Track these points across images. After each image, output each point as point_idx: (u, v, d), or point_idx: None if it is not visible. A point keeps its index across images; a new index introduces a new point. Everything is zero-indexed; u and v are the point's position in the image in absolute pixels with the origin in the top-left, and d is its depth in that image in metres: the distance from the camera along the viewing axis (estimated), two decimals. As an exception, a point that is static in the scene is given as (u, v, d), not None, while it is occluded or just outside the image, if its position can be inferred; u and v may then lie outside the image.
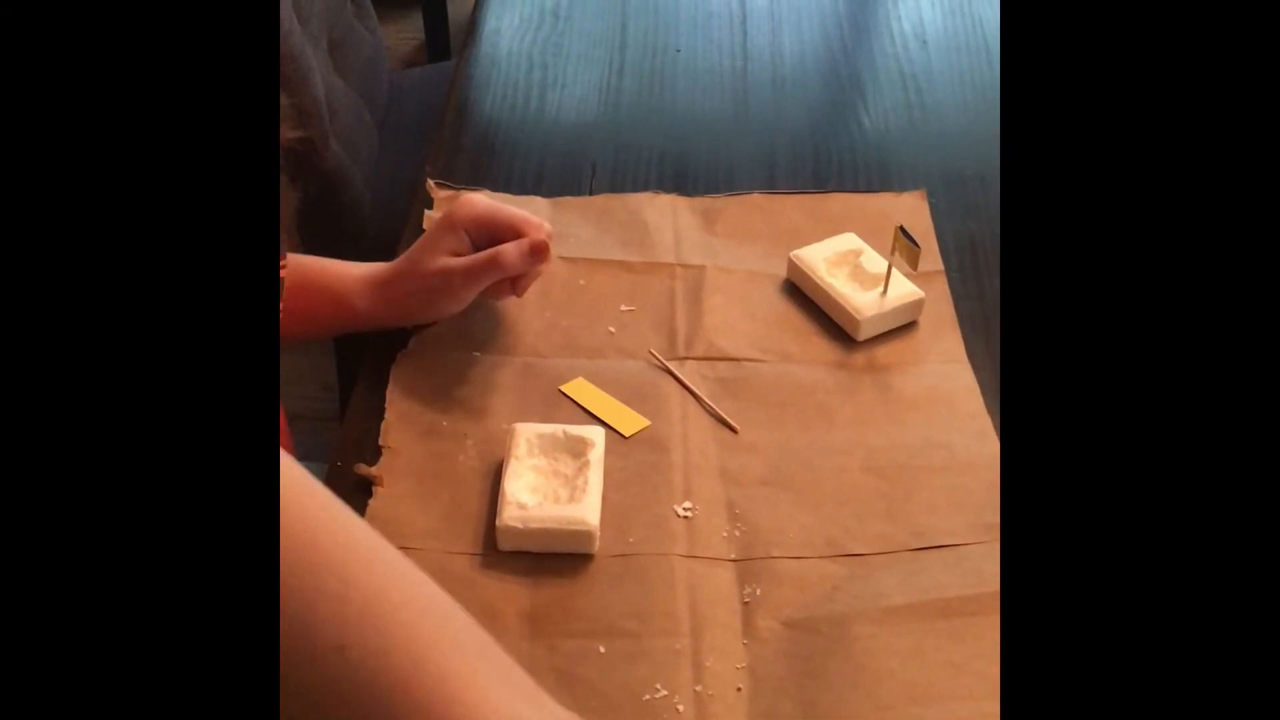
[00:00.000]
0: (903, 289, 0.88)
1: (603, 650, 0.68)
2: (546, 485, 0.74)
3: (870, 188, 1.03)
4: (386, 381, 0.83)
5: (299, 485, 0.50)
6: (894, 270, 0.87)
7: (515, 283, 0.83)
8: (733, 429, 0.81)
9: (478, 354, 0.85)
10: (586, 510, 0.72)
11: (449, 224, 0.83)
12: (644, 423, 0.81)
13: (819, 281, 0.89)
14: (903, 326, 0.89)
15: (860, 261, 0.91)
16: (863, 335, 0.87)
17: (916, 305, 0.89)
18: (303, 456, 1.05)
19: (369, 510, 0.74)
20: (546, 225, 0.83)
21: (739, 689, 0.67)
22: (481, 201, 0.84)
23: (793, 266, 0.91)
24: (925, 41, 1.23)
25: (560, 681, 0.66)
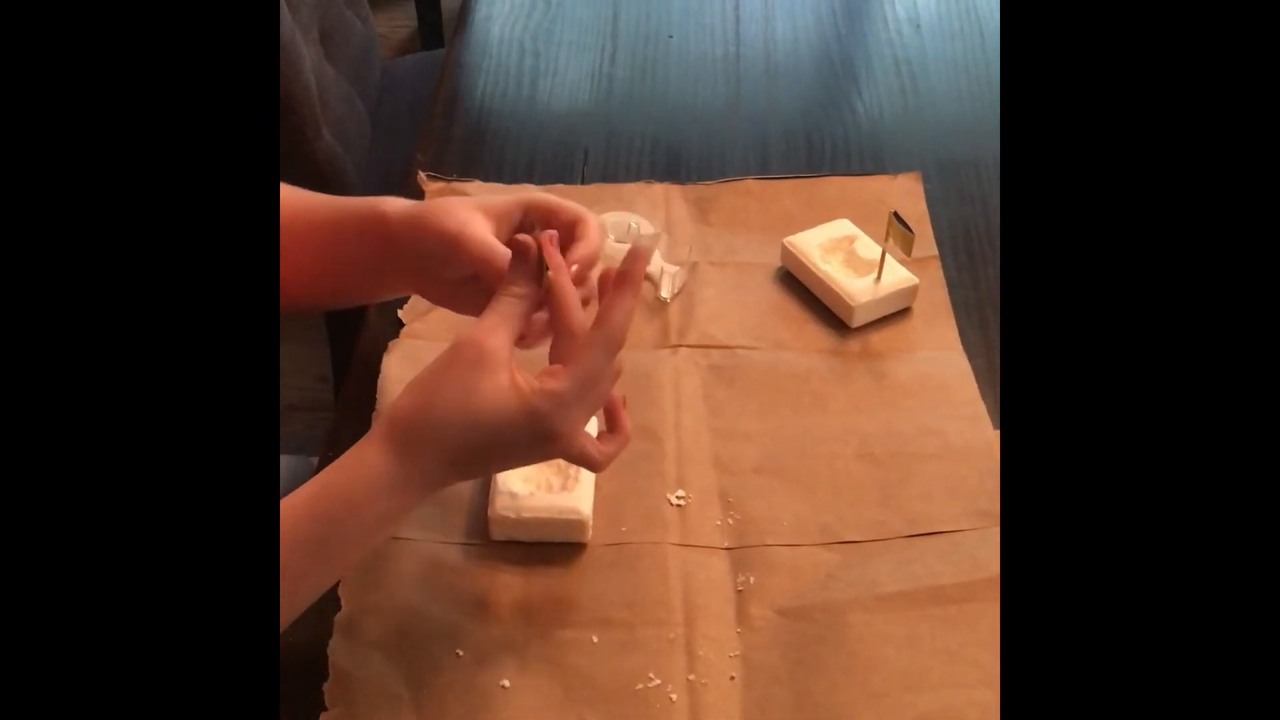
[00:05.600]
0: (897, 275, 0.88)
1: (596, 640, 0.68)
2: (539, 474, 0.74)
3: (864, 175, 1.02)
4: (379, 372, 0.82)
5: None
6: (888, 256, 0.87)
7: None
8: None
9: (470, 343, 0.85)
10: (579, 499, 0.72)
11: (512, 200, 0.71)
12: None
13: (812, 268, 0.89)
14: (897, 313, 0.88)
15: (854, 248, 0.90)
16: (856, 322, 0.87)
17: (911, 292, 0.88)
18: (297, 448, 1.05)
19: (361, 501, 0.74)
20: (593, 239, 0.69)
21: (732, 678, 0.66)
22: (548, 195, 0.72)
23: (786, 253, 0.91)
24: (919, 26, 1.22)
25: (553, 672, 0.66)
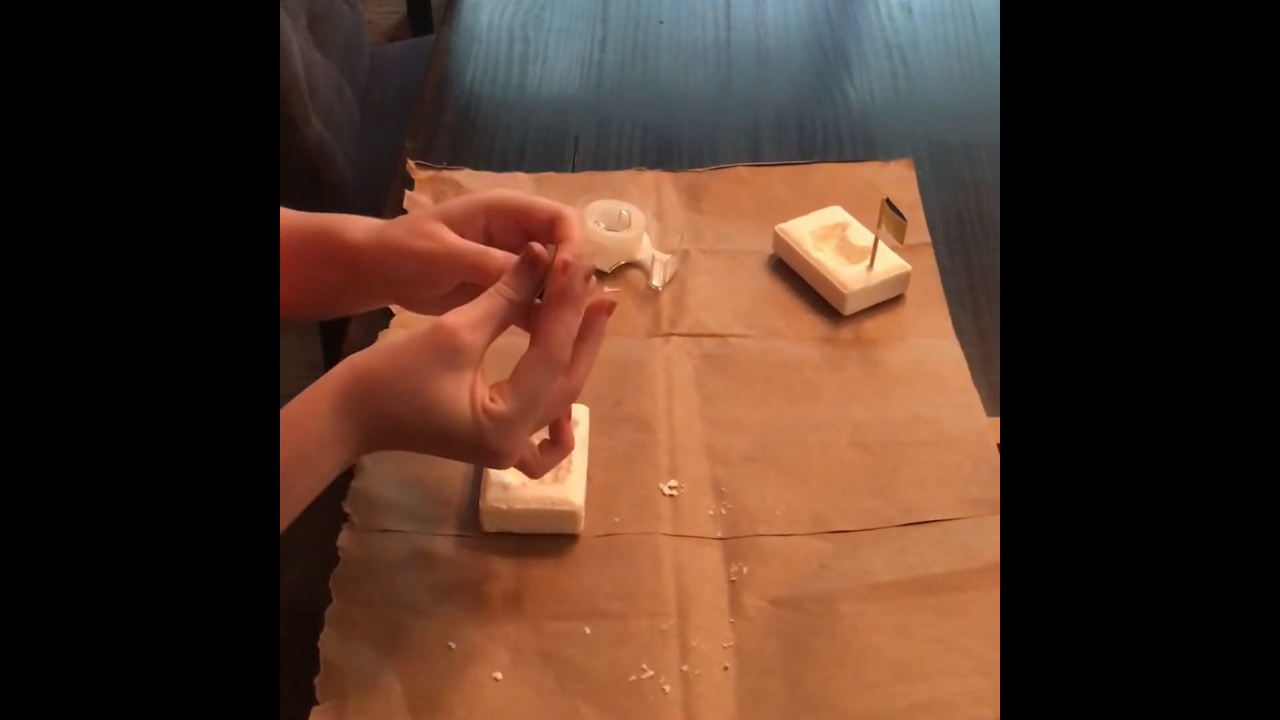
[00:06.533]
0: (889, 262, 0.87)
1: (588, 631, 0.67)
2: (531, 466, 0.74)
3: (856, 159, 1.02)
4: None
5: None
6: (880, 243, 0.87)
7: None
8: None
9: (460, 333, 0.84)
10: (571, 490, 0.72)
11: (473, 202, 0.69)
12: None
13: (805, 255, 0.88)
14: (889, 301, 0.88)
15: (846, 235, 0.90)
16: (849, 310, 0.87)
17: (903, 279, 0.88)
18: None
19: (352, 491, 0.73)
20: (586, 263, 0.64)
21: (726, 668, 0.66)
22: (516, 193, 0.70)
23: (778, 240, 0.91)
24: (910, 10, 1.21)
25: (546, 664, 0.66)
